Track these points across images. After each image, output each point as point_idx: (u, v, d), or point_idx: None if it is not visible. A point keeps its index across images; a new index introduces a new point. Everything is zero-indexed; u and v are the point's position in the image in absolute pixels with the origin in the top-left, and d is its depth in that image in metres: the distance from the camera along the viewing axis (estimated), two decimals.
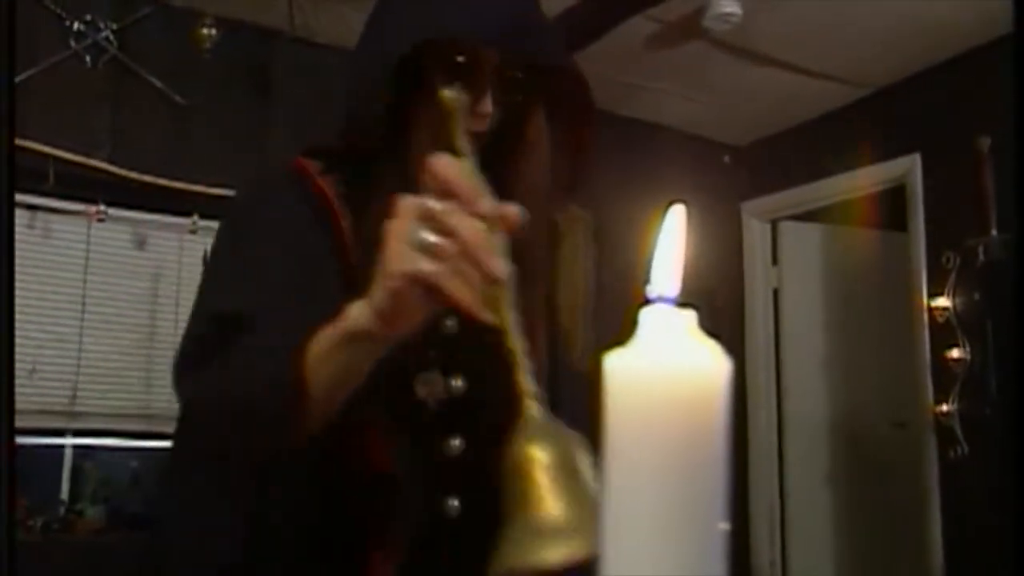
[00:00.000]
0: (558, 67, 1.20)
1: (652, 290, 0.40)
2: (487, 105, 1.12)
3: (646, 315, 0.40)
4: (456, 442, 1.13)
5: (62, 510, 3.34)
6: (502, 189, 1.19)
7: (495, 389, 1.16)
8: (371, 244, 1.08)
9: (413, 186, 1.12)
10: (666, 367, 0.39)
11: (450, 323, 1.14)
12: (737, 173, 5.15)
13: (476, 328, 1.12)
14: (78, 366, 3.52)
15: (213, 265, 1.24)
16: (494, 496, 1.14)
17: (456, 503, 1.12)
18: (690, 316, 0.40)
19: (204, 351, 1.10)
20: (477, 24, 1.13)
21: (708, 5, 3.63)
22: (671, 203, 0.42)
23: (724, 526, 0.39)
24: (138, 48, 3.58)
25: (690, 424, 0.39)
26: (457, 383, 1.14)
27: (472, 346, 1.14)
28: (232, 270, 1.18)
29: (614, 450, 0.39)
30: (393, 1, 1.19)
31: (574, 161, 1.27)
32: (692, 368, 0.40)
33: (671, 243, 0.41)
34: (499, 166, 1.18)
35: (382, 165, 1.15)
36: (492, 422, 1.16)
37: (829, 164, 4.66)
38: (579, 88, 1.23)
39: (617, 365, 0.39)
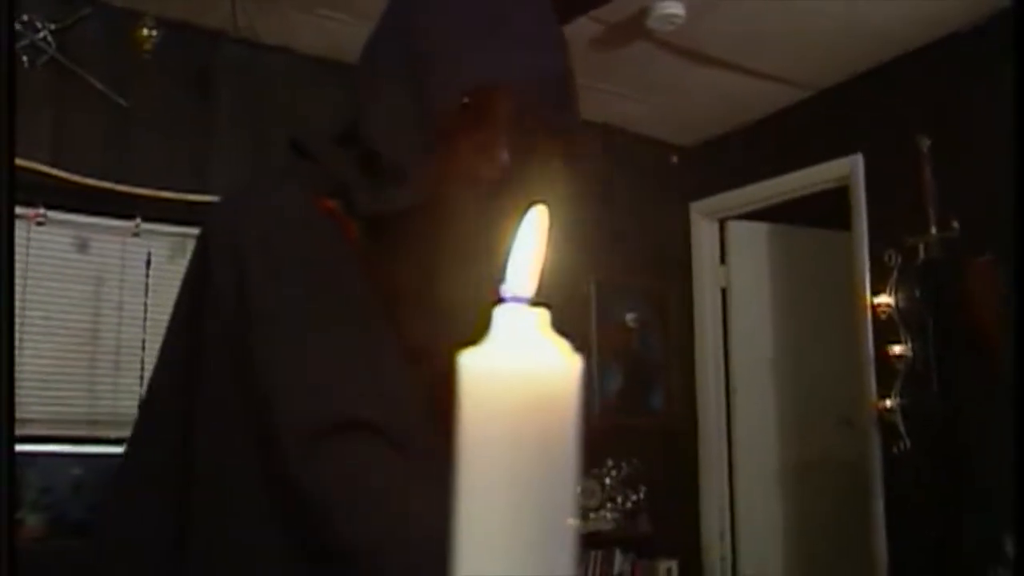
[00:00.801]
0: (571, 121, 1.21)
1: (507, 289, 0.41)
2: (503, 152, 1.12)
3: (500, 314, 0.41)
4: None
5: None
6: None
7: None
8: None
9: (438, 235, 1.13)
10: (517, 366, 0.40)
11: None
12: (685, 173, 5.19)
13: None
14: (18, 371, 3.46)
15: (305, 337, 1.08)
16: None
17: None
18: (543, 315, 0.41)
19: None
20: (522, 73, 1.13)
21: (652, 7, 3.66)
22: (532, 204, 0.43)
23: (572, 522, 0.40)
24: (77, 49, 3.53)
25: (541, 422, 0.40)
26: None
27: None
28: (337, 356, 1.07)
29: (467, 448, 0.40)
30: (433, 41, 1.12)
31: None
32: (543, 367, 0.40)
33: (529, 244, 0.42)
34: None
35: (410, 216, 1.12)
36: None
37: (775, 164, 4.71)
38: (579, 151, 1.24)
39: (470, 363, 0.40)
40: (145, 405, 1.21)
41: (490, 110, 1.13)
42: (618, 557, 4.35)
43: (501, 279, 0.41)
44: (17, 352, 3.46)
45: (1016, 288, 3.32)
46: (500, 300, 0.41)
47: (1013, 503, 3.03)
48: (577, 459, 0.41)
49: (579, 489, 0.41)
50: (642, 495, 4.56)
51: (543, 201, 0.43)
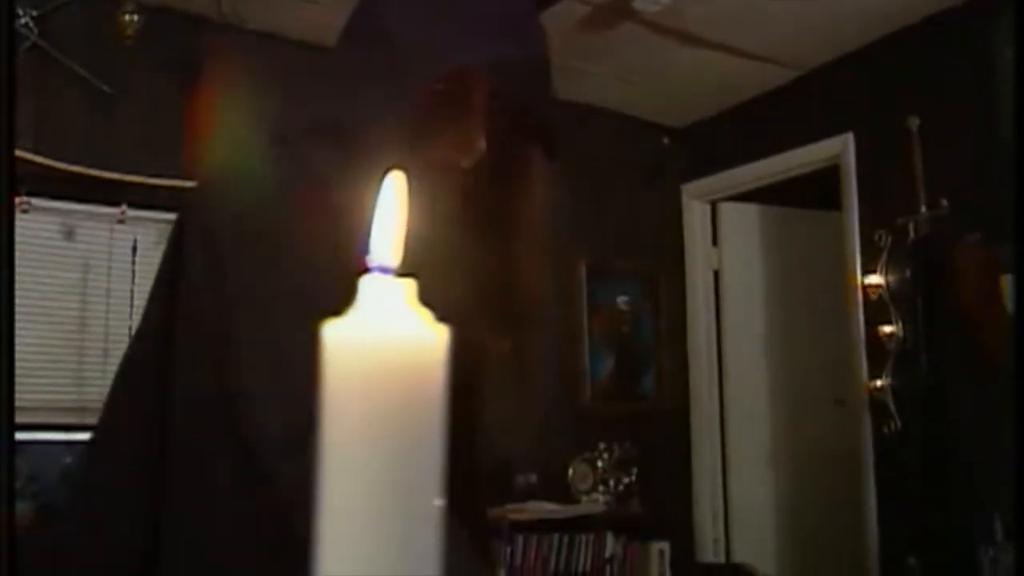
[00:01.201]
0: (547, 107, 1.22)
1: (371, 259, 0.40)
2: (478, 139, 1.13)
3: (364, 284, 0.40)
4: None
5: None
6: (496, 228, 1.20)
7: None
8: None
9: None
10: (381, 337, 0.39)
11: None
12: (676, 155, 5.17)
13: None
14: None
15: None
16: None
17: None
18: (409, 286, 0.40)
19: None
20: (491, 58, 1.14)
21: None
22: (388, 169, 0.42)
23: (438, 502, 0.39)
24: (60, 35, 3.52)
25: (405, 394, 0.39)
26: None
27: None
28: None
29: (330, 421, 0.39)
30: (405, 30, 1.13)
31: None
32: (408, 338, 0.39)
33: (389, 212, 0.41)
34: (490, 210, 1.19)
35: None
36: None
37: (766, 145, 4.69)
38: (557, 131, 1.24)
39: (333, 334, 0.39)
40: (118, 380, 1.21)
41: (464, 97, 1.13)
42: (610, 540, 4.35)
43: (364, 249, 0.40)
44: None
45: (1016, 286, 3.31)
46: (364, 270, 0.40)
47: (1013, 502, 3.02)
48: (444, 434, 0.40)
49: (442, 463, 0.40)
50: (634, 478, 4.56)
51: (401, 167, 0.42)
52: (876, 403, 4.08)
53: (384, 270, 0.40)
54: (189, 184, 3.54)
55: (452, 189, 1.13)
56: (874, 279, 4.10)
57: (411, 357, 0.39)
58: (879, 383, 4.05)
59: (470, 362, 1.23)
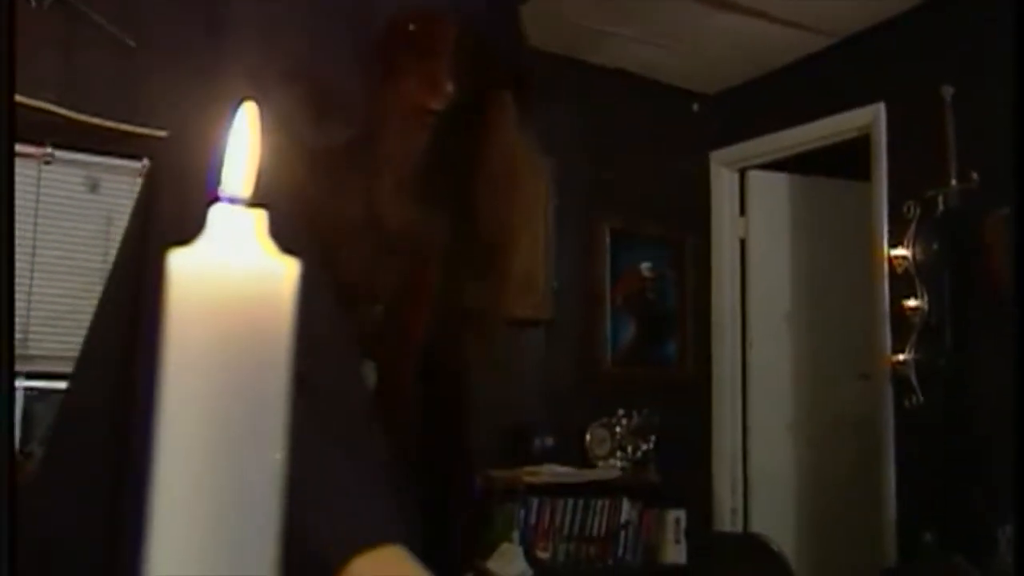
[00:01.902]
0: (517, 51, 1.20)
1: (223, 190, 0.39)
2: (447, 82, 1.11)
3: (214, 213, 0.39)
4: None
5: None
6: (462, 175, 1.18)
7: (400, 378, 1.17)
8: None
9: (382, 169, 1.13)
10: (227, 266, 0.38)
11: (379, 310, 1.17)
12: (706, 121, 5.11)
13: (400, 319, 1.13)
14: (29, 309, 3.51)
15: None
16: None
17: None
18: (260, 216, 0.39)
19: None
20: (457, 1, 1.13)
21: None
22: (241, 101, 0.41)
23: (279, 455, 0.39)
24: None
25: (250, 327, 0.38)
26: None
27: (389, 339, 1.15)
28: None
29: (172, 351, 0.38)
30: None
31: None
32: (254, 269, 0.38)
33: (242, 142, 0.40)
34: (458, 152, 1.17)
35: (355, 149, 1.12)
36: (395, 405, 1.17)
37: (796, 113, 4.62)
38: (528, 75, 1.22)
39: (179, 262, 0.38)
40: (88, 336, 1.22)
41: (431, 39, 1.12)
42: (625, 505, 4.36)
43: (216, 180, 0.39)
44: (29, 290, 3.51)
45: (1016, 282, 3.24)
46: (216, 199, 0.39)
47: (1013, 499, 2.99)
48: (288, 370, 0.39)
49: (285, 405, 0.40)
50: (652, 445, 4.55)
51: (252, 98, 0.41)
52: (899, 377, 4.03)
53: (234, 200, 0.39)
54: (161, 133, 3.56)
55: (420, 131, 1.12)
56: (901, 251, 4.04)
57: (257, 289, 0.39)
58: (902, 357, 4.00)
59: (448, 323, 1.23)
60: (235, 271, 0.38)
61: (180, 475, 0.38)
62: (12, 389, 0.92)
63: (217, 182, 0.39)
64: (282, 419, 0.39)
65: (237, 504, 0.38)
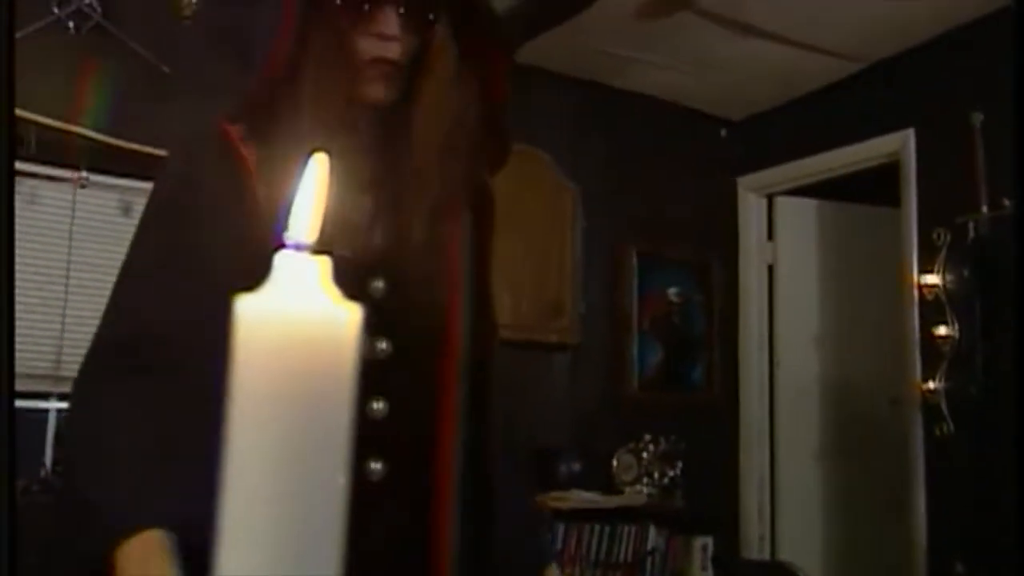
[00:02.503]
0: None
1: (289, 236, 0.40)
2: (391, 26, 1.10)
3: (280, 260, 0.40)
4: (379, 405, 1.13)
5: (43, 472, 3.39)
6: (411, 131, 1.17)
7: (420, 353, 1.17)
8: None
9: (319, 130, 1.12)
10: (292, 312, 0.39)
11: (377, 284, 1.15)
12: (733, 147, 5.11)
13: (405, 291, 1.13)
14: (63, 331, 3.55)
15: (139, 255, 1.23)
16: (417, 460, 1.15)
17: (378, 466, 1.12)
18: (324, 263, 0.40)
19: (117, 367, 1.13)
20: None
21: None
22: (313, 151, 0.42)
23: (341, 479, 0.40)
24: (122, 15, 3.59)
25: (314, 372, 0.39)
26: (382, 346, 1.14)
27: (399, 310, 1.14)
28: (156, 276, 1.18)
29: (238, 392, 0.40)
30: None
31: (488, 105, 1.22)
32: (318, 315, 0.40)
33: (311, 191, 0.41)
34: (411, 105, 1.16)
35: (288, 113, 1.12)
36: (417, 387, 1.17)
37: (824, 139, 4.62)
38: (483, 11, 1.19)
39: (246, 308, 0.40)
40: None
41: None
42: (652, 532, 4.33)
43: (284, 226, 0.41)
44: (63, 312, 3.55)
45: (1016, 283, 3.22)
46: (281, 246, 0.41)
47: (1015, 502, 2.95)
48: (351, 412, 0.40)
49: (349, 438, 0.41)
50: (679, 471, 4.53)
51: (324, 150, 0.43)
52: (929, 405, 4.00)
53: (299, 247, 0.41)
54: None
55: (378, 83, 1.13)
56: (931, 279, 4.02)
57: (322, 335, 0.40)
58: (932, 385, 3.97)
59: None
60: (300, 316, 0.40)
61: (245, 512, 0.39)
62: (12, 389, 0.94)
63: (284, 228, 0.41)
64: (344, 453, 0.40)
65: (302, 532, 0.39)
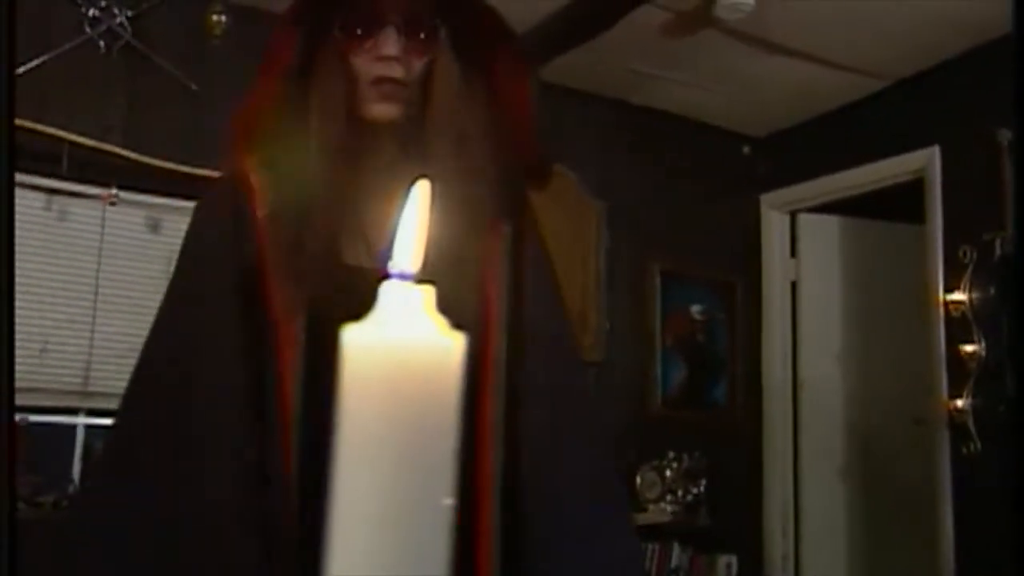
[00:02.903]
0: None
1: (393, 266, 0.41)
2: (390, 46, 1.12)
3: (385, 290, 0.41)
4: None
5: (71, 488, 3.40)
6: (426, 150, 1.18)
7: None
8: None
9: (325, 149, 1.14)
10: (398, 342, 0.40)
11: None
12: (756, 164, 5.11)
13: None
14: (91, 346, 3.58)
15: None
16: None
17: None
18: (428, 293, 0.41)
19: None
20: None
21: None
22: (416, 179, 0.43)
23: (449, 501, 0.40)
24: (151, 34, 3.63)
25: (419, 400, 0.40)
26: None
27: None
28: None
29: (346, 421, 0.40)
30: None
31: (511, 118, 1.22)
32: (424, 344, 0.40)
33: (413, 220, 0.42)
34: (421, 124, 1.18)
35: (290, 136, 1.15)
36: None
37: (848, 156, 4.61)
38: (491, 24, 1.19)
39: (352, 338, 0.40)
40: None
41: (360, 11, 1.14)
42: (676, 550, 4.32)
43: (387, 256, 0.41)
44: (92, 329, 3.58)
45: (1016, 285, 3.20)
46: (386, 276, 0.41)
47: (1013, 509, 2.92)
48: (456, 439, 0.41)
49: (453, 465, 0.42)
50: (703, 488, 4.52)
51: (426, 176, 0.43)
52: (956, 424, 3.97)
53: (404, 276, 0.41)
54: None
55: (381, 101, 1.15)
56: (957, 296, 4.00)
57: (427, 363, 0.41)
58: (960, 403, 3.95)
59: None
60: (407, 344, 0.40)
61: (354, 539, 0.40)
62: (12, 390, 0.95)
63: (387, 257, 0.41)
64: (450, 479, 0.41)
65: (411, 556, 0.40)
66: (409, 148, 1.17)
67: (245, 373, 1.13)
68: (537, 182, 1.30)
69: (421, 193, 0.43)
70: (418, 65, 1.15)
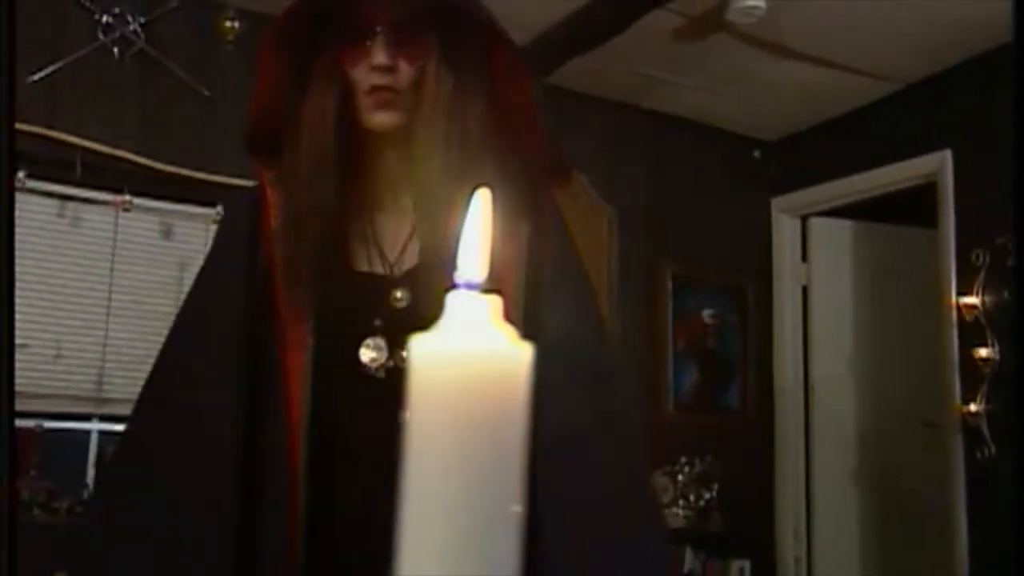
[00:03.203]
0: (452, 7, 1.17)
1: (459, 276, 0.41)
2: (380, 55, 1.13)
3: (451, 300, 0.41)
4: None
5: (85, 493, 3.41)
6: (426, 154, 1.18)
7: None
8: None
9: (321, 159, 1.16)
10: (466, 352, 0.40)
11: (399, 295, 1.17)
12: (767, 168, 5.10)
13: (427, 302, 1.14)
14: (104, 352, 3.58)
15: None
16: None
17: None
18: (494, 302, 0.41)
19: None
20: None
21: None
22: (476, 188, 0.43)
23: (517, 508, 0.40)
24: (164, 41, 3.64)
25: (487, 409, 0.40)
26: (404, 354, 1.15)
27: (422, 319, 1.15)
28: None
29: (414, 431, 0.40)
30: None
31: (515, 119, 1.22)
32: (492, 354, 0.40)
33: (476, 229, 0.42)
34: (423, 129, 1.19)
35: (290, 145, 1.19)
36: None
37: (860, 160, 4.60)
38: (485, 26, 1.17)
39: (419, 348, 0.40)
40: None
41: (361, 20, 1.15)
42: (688, 555, 4.31)
43: (452, 265, 0.41)
44: (105, 334, 3.58)
45: (1016, 288, 3.19)
46: (452, 286, 0.41)
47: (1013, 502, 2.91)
48: (524, 448, 0.41)
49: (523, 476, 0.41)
50: (715, 493, 4.51)
51: (487, 185, 0.43)
52: (969, 428, 3.96)
53: (470, 286, 0.41)
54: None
55: (376, 110, 1.16)
56: (970, 300, 3.99)
57: (495, 372, 0.40)
58: (973, 407, 3.94)
59: None
60: (475, 354, 0.40)
61: (424, 547, 0.40)
62: (12, 391, 0.95)
63: (452, 267, 0.41)
64: (519, 486, 0.41)
65: (480, 565, 0.40)
66: (408, 155, 1.19)
67: (250, 375, 1.15)
68: (557, 180, 1.30)
69: (482, 202, 0.42)
70: (411, 72, 1.16)
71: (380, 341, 1.16)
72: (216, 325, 1.20)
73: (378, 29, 1.14)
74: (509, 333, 0.41)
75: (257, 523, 1.12)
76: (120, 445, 1.27)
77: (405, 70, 1.14)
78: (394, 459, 1.14)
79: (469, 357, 0.40)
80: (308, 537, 1.11)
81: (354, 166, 1.20)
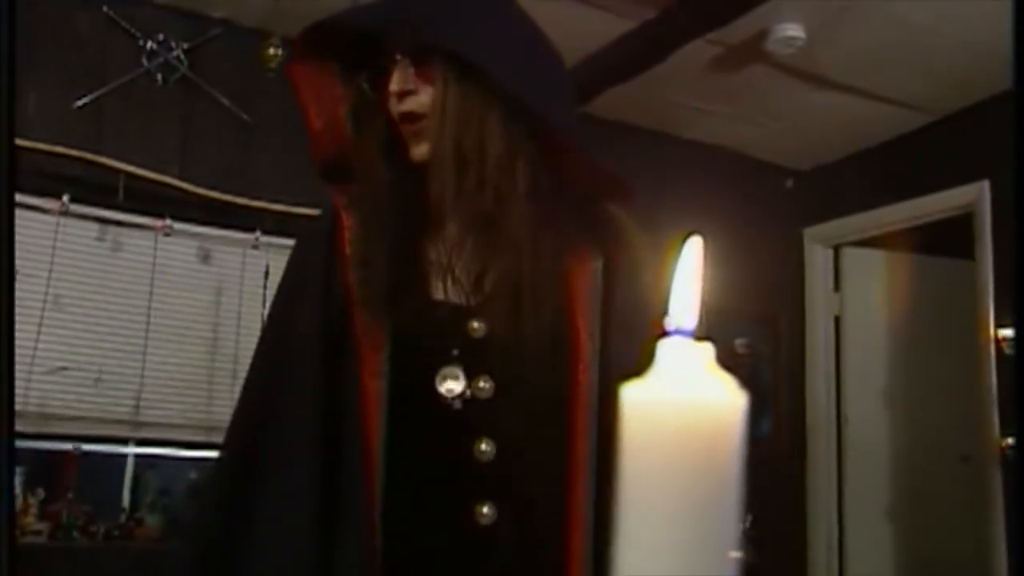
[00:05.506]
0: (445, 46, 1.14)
1: (670, 322, 0.41)
2: (400, 81, 1.13)
3: (664, 347, 0.40)
4: (485, 447, 1.13)
5: (122, 517, 3.41)
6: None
7: (524, 395, 1.16)
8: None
9: (378, 191, 1.16)
10: (682, 400, 0.40)
11: (476, 326, 1.16)
12: (800, 198, 5.09)
13: (505, 333, 1.13)
14: (142, 376, 3.59)
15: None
16: (528, 504, 1.14)
17: (489, 510, 1.12)
18: (707, 349, 0.40)
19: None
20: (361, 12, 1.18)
21: (771, 29, 3.61)
22: (688, 234, 0.42)
23: (736, 555, 0.40)
24: (207, 67, 3.67)
25: (704, 456, 0.40)
26: (482, 384, 1.14)
27: (500, 350, 1.14)
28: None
29: (629, 480, 0.40)
30: None
31: (552, 143, 1.20)
32: (708, 401, 0.40)
33: (688, 275, 0.42)
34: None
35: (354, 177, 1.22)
36: (529, 428, 1.16)
37: (894, 190, 4.58)
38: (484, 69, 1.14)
39: (634, 397, 0.40)
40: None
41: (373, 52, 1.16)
42: None
43: (663, 311, 0.41)
44: (143, 359, 3.58)
45: (1016, 292, 3.16)
46: (663, 333, 0.41)
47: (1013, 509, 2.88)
48: (741, 494, 0.40)
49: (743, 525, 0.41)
50: (747, 524, 4.45)
51: (698, 232, 0.43)
52: (1008, 461, 3.92)
53: (683, 333, 0.41)
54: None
55: (407, 138, 1.16)
56: (1008, 332, 3.96)
57: (712, 420, 0.40)
58: (1011, 441, 3.89)
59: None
60: (691, 404, 0.40)
61: None
62: (12, 391, 0.95)
63: (664, 313, 0.41)
64: (736, 533, 0.40)
65: None
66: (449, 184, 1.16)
67: (331, 401, 1.14)
68: (617, 198, 1.29)
69: (695, 249, 0.42)
70: (431, 93, 1.13)
71: (458, 370, 1.15)
72: (297, 351, 1.20)
73: (393, 55, 1.14)
74: (726, 381, 0.40)
75: (337, 548, 1.11)
76: (215, 472, 1.27)
77: (429, 95, 1.12)
78: (467, 488, 1.13)
79: (688, 406, 0.40)
80: (385, 561, 1.11)
81: (408, 196, 1.18)
